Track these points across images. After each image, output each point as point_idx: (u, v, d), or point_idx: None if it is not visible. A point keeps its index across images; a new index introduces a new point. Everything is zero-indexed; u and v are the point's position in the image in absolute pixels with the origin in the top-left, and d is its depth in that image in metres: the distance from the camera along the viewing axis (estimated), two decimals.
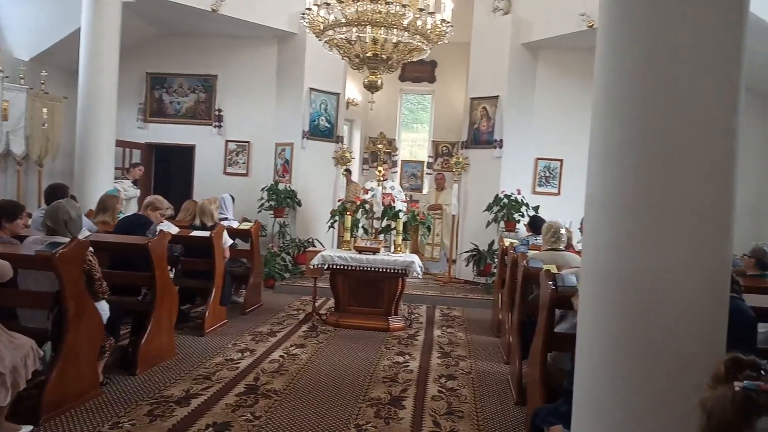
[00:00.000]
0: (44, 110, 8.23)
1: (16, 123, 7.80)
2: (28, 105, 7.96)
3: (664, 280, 2.00)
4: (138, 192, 8.40)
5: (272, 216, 8.92)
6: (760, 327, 3.36)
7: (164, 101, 9.88)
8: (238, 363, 4.87)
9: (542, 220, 6.86)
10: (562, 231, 4.86)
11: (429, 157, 12.91)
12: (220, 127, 9.77)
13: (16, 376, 3.14)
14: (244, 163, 9.75)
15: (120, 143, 9.00)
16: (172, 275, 5.12)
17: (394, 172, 13.09)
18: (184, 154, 10.05)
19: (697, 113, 1.99)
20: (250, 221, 7.38)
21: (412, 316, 6.97)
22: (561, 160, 8.99)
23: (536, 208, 8.22)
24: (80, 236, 4.36)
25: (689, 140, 2.00)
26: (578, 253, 4.81)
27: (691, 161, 2.00)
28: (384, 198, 7.23)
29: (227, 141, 9.79)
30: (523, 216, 8.23)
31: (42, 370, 3.52)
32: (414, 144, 14.18)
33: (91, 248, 3.83)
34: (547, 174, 9.11)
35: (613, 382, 2.07)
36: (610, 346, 2.11)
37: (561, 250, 4.83)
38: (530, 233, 6.98)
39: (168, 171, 10.90)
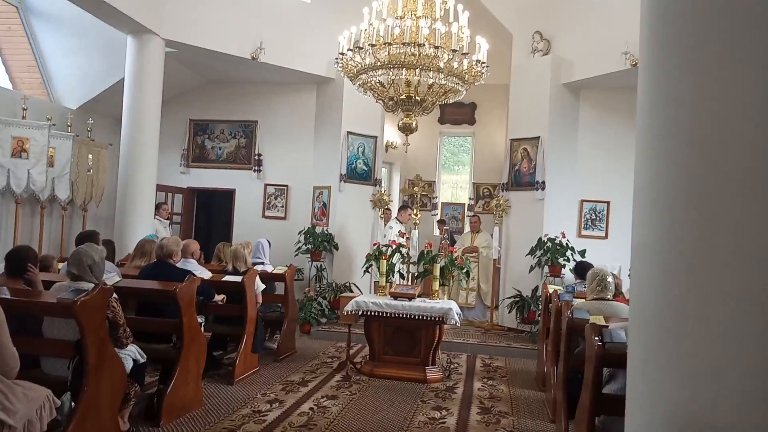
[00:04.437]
0: (90, 156, 8.48)
1: (62, 169, 8.04)
2: (75, 151, 8.21)
3: (727, 342, 1.71)
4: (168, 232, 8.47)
5: (309, 260, 8.82)
6: None
7: (206, 147, 10.08)
8: (266, 415, 4.66)
9: (589, 266, 6.49)
10: (609, 279, 4.52)
11: (470, 199, 12.68)
12: (259, 171, 9.86)
13: (31, 429, 3.03)
14: (282, 206, 9.77)
15: (162, 188, 9.18)
16: (201, 321, 5.02)
17: (435, 215, 12.91)
18: (225, 199, 10.16)
19: (751, 149, 1.74)
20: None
21: (451, 366, 6.64)
22: (608, 203, 8.63)
23: (582, 252, 7.86)
24: (110, 281, 4.34)
25: (745, 180, 1.73)
26: (627, 302, 4.46)
27: (751, 203, 1.73)
28: (394, 242, 6.99)
29: (266, 185, 9.86)
30: (568, 260, 7.87)
31: (61, 420, 3.42)
32: (456, 186, 14.01)
33: (115, 294, 3.75)
34: (594, 216, 8.74)
35: None
36: (664, 419, 1.81)
37: (608, 299, 4.49)
38: (578, 280, 6.60)
39: (209, 215, 11.04)
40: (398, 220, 8.82)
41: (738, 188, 1.76)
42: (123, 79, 7.71)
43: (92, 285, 3.62)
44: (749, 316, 1.73)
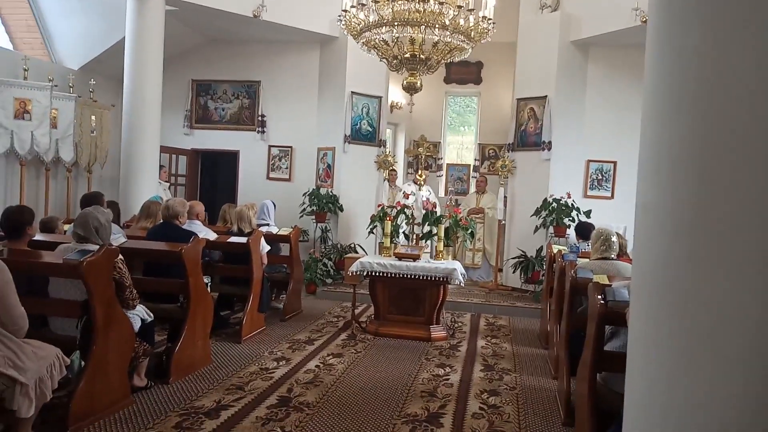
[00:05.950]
0: (93, 118, 8.44)
1: (66, 131, 8.01)
2: (77, 113, 8.17)
3: (727, 305, 1.70)
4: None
5: (314, 221, 8.85)
6: None
7: (209, 108, 10.00)
8: (273, 372, 4.75)
9: (590, 226, 6.48)
10: (613, 239, 4.51)
11: (475, 160, 12.60)
12: (263, 132, 9.80)
13: (42, 387, 3.10)
14: (286, 168, 9.75)
15: (165, 149, 9.16)
16: (208, 282, 5.07)
17: (440, 176, 12.86)
18: (229, 160, 10.14)
19: (758, 110, 1.69)
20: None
21: (456, 325, 6.73)
22: (614, 162, 8.57)
23: (588, 213, 7.85)
24: (116, 242, 4.36)
25: (751, 140, 1.69)
26: (632, 261, 4.46)
27: (756, 164, 1.69)
28: (426, 203, 7.02)
29: (270, 146, 9.82)
30: (573, 221, 7.86)
31: (71, 378, 3.50)
32: (461, 147, 13.90)
33: (121, 256, 3.78)
34: (600, 177, 8.69)
35: (665, 422, 1.78)
36: (662, 378, 1.82)
37: (612, 259, 4.49)
38: (580, 240, 6.61)
39: (213, 177, 11.04)
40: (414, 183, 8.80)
41: (743, 149, 1.73)
42: (124, 38, 7.59)
43: (98, 246, 3.64)
44: (751, 279, 1.72)
